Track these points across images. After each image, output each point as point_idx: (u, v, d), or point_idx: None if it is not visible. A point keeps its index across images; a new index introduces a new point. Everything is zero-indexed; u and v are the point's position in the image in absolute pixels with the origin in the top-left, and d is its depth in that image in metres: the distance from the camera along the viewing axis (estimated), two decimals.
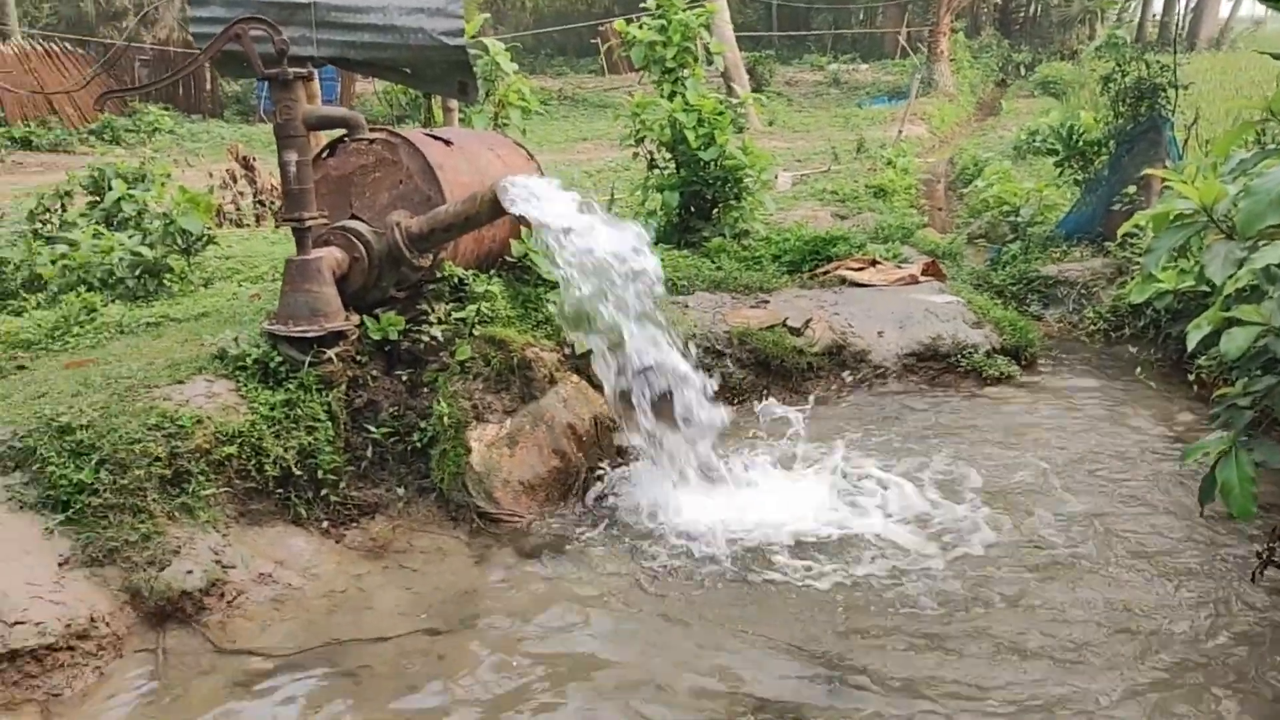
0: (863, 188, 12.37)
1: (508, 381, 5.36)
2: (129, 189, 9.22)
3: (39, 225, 9.10)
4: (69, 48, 24.83)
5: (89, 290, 7.16)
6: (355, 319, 5.16)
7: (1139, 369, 6.79)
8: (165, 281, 7.53)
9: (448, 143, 5.69)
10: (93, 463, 4.42)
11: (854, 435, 5.96)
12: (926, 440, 5.88)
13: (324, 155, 5.55)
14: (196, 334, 5.93)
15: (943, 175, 17.25)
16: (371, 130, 5.44)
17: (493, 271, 5.95)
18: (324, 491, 5.00)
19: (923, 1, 34.60)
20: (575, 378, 5.67)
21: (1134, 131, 8.28)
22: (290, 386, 4.97)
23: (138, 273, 7.44)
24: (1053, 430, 5.93)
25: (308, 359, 4.96)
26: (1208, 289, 6.23)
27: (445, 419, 5.16)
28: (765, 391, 6.62)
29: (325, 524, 4.99)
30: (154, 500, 4.46)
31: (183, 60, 23.45)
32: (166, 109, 25.30)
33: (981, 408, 6.32)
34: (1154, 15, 44.34)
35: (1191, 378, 6.30)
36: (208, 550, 4.47)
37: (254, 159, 13.47)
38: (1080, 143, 8.78)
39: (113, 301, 7.05)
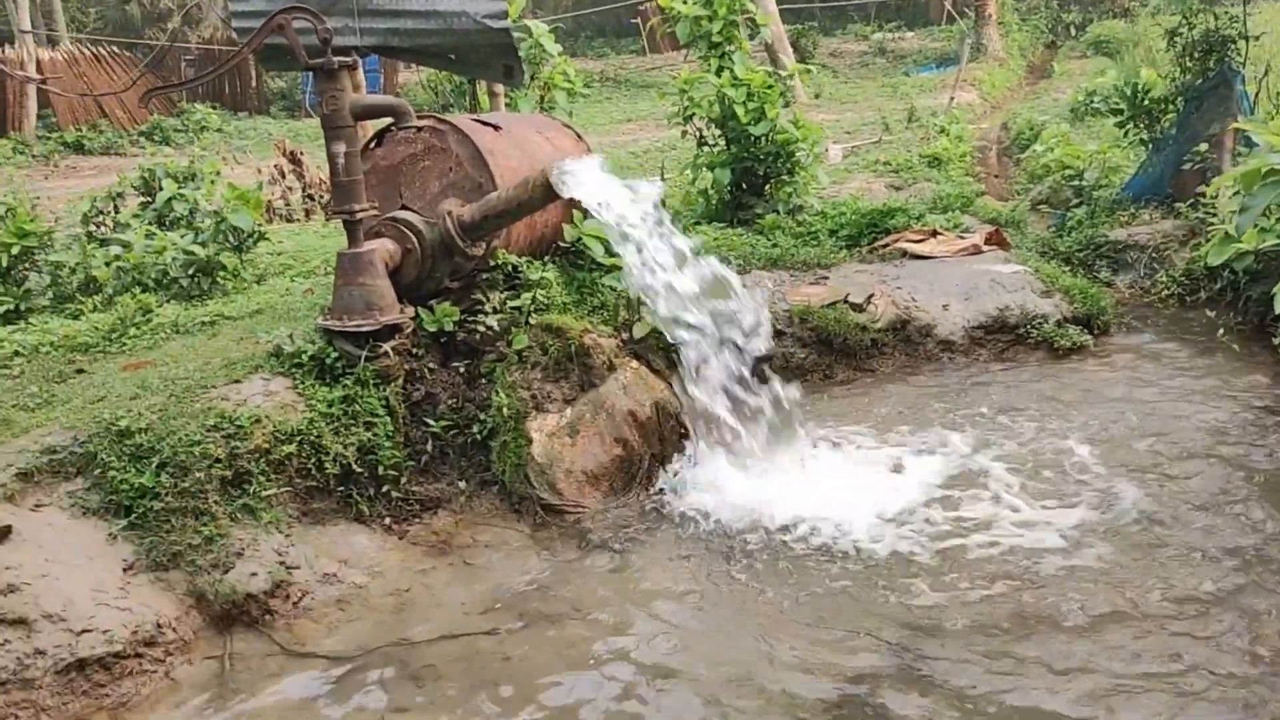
0: (916, 157, 12.05)
1: (566, 370, 5.25)
2: (179, 188, 9.22)
3: (93, 228, 9.14)
4: (116, 51, 25.09)
5: (144, 291, 7.15)
6: (410, 311, 5.08)
7: (1221, 333, 6.51)
8: (219, 279, 7.50)
9: (496, 128, 5.57)
10: (153, 466, 4.37)
11: (931, 414, 5.78)
12: (1008, 415, 5.70)
13: (371, 145, 5.46)
14: (251, 331, 5.88)
15: (996, 141, 16.83)
16: (419, 118, 5.33)
17: (546, 258, 5.84)
18: (385, 488, 4.93)
19: None
20: (635, 363, 5.54)
21: (1203, 87, 7.94)
22: (347, 382, 4.90)
23: (191, 272, 7.42)
24: (1139, 402, 5.68)
25: (364, 354, 4.88)
26: None
27: (505, 410, 5.06)
28: (829, 370, 6.46)
29: (388, 520, 4.92)
30: (215, 502, 4.41)
31: (227, 57, 23.56)
32: (214, 107, 25.48)
33: (1059, 380, 6.08)
34: None
35: (1277, 341, 6.02)
36: (271, 551, 4.42)
37: (301, 153, 13.47)
38: (1145, 101, 8.45)
39: (168, 301, 7.03)
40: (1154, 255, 7.70)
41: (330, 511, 4.78)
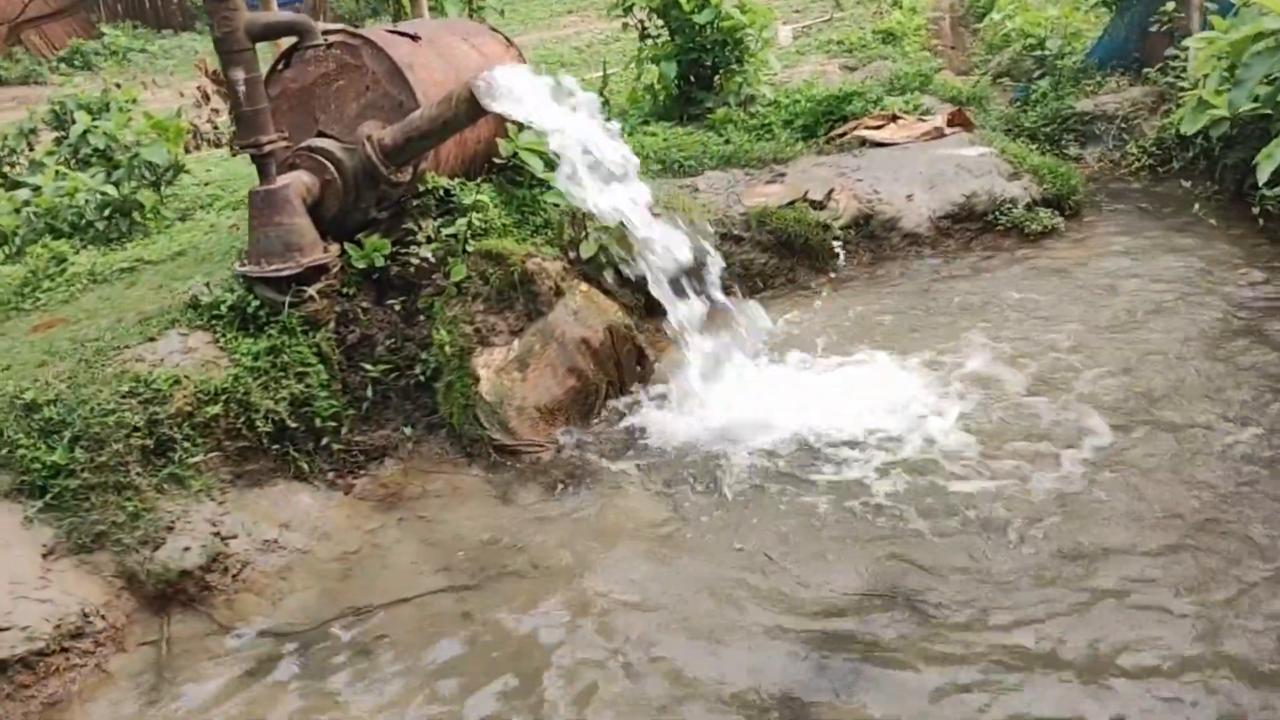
0: (870, 34, 11.55)
1: (510, 299, 4.88)
2: (94, 120, 8.63)
3: (5, 169, 8.59)
4: None
5: (58, 238, 6.67)
6: (335, 248, 4.67)
7: (1196, 206, 6.22)
8: (138, 220, 7.02)
9: (415, 38, 5.09)
10: (65, 441, 4.01)
11: (891, 317, 5.47)
12: (963, 319, 5.40)
13: (279, 68, 4.98)
14: (171, 277, 5.46)
15: (950, 10, 16.26)
16: (327, 32, 4.85)
17: (481, 177, 5.42)
18: (325, 440, 4.60)
19: None
20: (584, 286, 5.18)
21: None
22: (272, 332, 4.52)
23: (107, 213, 6.91)
24: (1117, 291, 5.39)
25: (287, 299, 4.49)
26: (1269, 114, 5.63)
27: (447, 348, 4.72)
28: (790, 274, 6.12)
29: (331, 475, 4.60)
30: (138, 474, 4.06)
31: None
32: (135, 26, 24.29)
33: (1032, 270, 5.77)
34: None
35: (1256, 210, 5.73)
36: (204, 522, 4.10)
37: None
38: None
39: (84, 248, 6.56)
40: (1123, 125, 7.35)
41: (267, 472, 4.45)
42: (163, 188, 7.29)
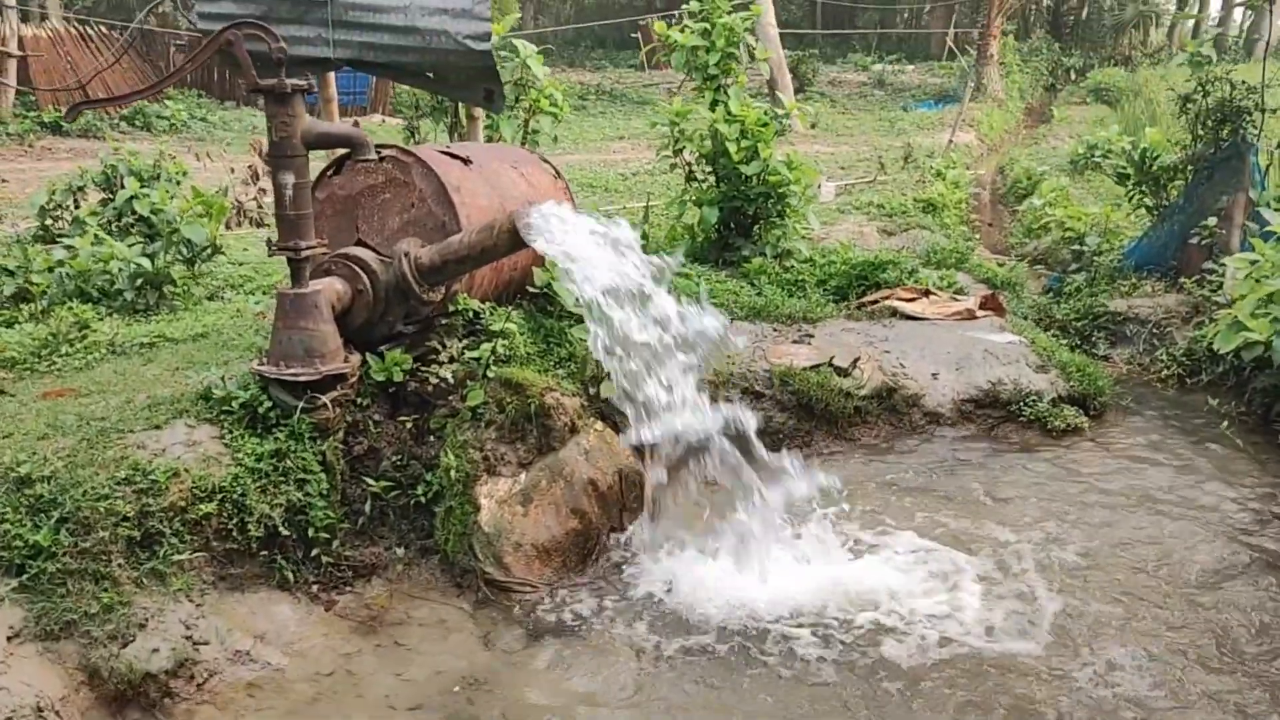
0: (911, 201, 11.70)
1: (523, 430, 4.82)
2: (142, 187, 8.76)
3: (49, 222, 8.68)
4: (105, 30, 24.52)
5: (86, 302, 6.69)
6: (356, 359, 4.64)
7: (1225, 424, 6.14)
8: (166, 294, 7.05)
9: (466, 161, 5.15)
10: (52, 521, 3.91)
11: (909, 502, 5.37)
12: (987, 509, 5.29)
13: (329, 173, 5.03)
14: (190, 360, 5.45)
15: (991, 186, 16.56)
16: (381, 147, 4.92)
17: (513, 303, 5.42)
18: (315, 551, 4.49)
19: (971, 1, 33.75)
20: (599, 425, 5.13)
21: (1215, 158, 7.61)
22: (280, 435, 4.45)
23: (138, 284, 6.95)
24: (1133, 506, 5.27)
25: (300, 405, 4.44)
26: None
27: (453, 472, 4.63)
28: (808, 438, 6.05)
29: (315, 588, 4.48)
30: (119, 565, 3.96)
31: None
32: (199, 95, 24.96)
33: (1049, 472, 5.67)
34: (1209, 20, 43.26)
35: None
36: (178, 624, 3.97)
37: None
38: (1154, 167, 8.11)
39: (110, 315, 6.57)
40: (1155, 331, 7.34)
41: (250, 577, 4.33)
42: (197, 265, 7.33)
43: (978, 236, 10.10)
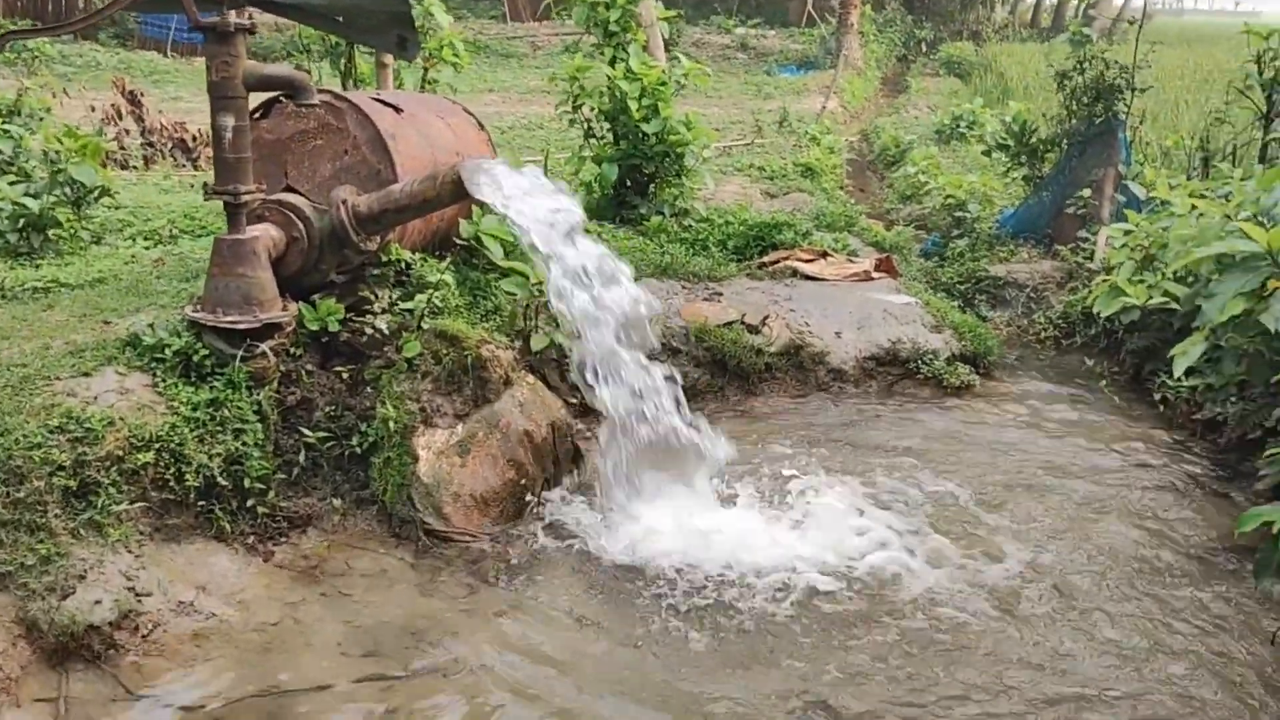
0: (791, 165, 12.00)
1: (459, 382, 4.83)
2: (3, 125, 8.26)
3: None
4: None
5: None
6: (293, 308, 4.56)
7: (1103, 383, 6.61)
8: (51, 237, 6.71)
9: (398, 109, 5.09)
10: None
11: (821, 452, 5.60)
12: (899, 458, 5.58)
13: (257, 116, 4.88)
14: (96, 307, 5.24)
15: (856, 152, 17.04)
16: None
17: (438, 255, 5.39)
18: (250, 502, 4.41)
19: None
20: (530, 379, 5.18)
21: (1089, 133, 8.09)
22: (217, 384, 4.35)
23: (20, 226, 6.59)
24: (1027, 454, 5.65)
25: (239, 353, 4.35)
26: (1175, 307, 6.08)
27: (391, 423, 4.62)
28: (721, 392, 6.24)
29: (251, 539, 4.41)
30: (55, 516, 3.83)
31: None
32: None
33: (950, 422, 6.02)
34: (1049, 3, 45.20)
35: (1158, 396, 6.13)
36: (119, 575, 3.87)
37: (141, 94, 12.41)
38: (1032, 140, 8.57)
39: None
40: (1032, 295, 7.79)
41: (186, 528, 4.24)
42: (82, 208, 6.99)
43: (864, 206, 10.44)
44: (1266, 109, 8.25)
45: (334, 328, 4.70)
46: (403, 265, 4.99)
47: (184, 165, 11.33)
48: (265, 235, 4.43)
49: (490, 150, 5.81)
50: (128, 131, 11.70)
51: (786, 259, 7.57)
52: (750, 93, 22.06)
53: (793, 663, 3.85)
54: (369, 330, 4.74)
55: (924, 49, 34.73)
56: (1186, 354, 5.07)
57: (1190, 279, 5.80)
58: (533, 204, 4.46)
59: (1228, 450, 5.61)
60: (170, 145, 11.44)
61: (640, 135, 8.38)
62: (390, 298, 4.88)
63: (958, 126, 14.57)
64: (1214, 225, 5.27)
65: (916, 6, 39.45)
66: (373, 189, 4.75)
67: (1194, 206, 6.21)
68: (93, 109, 11.74)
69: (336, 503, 4.65)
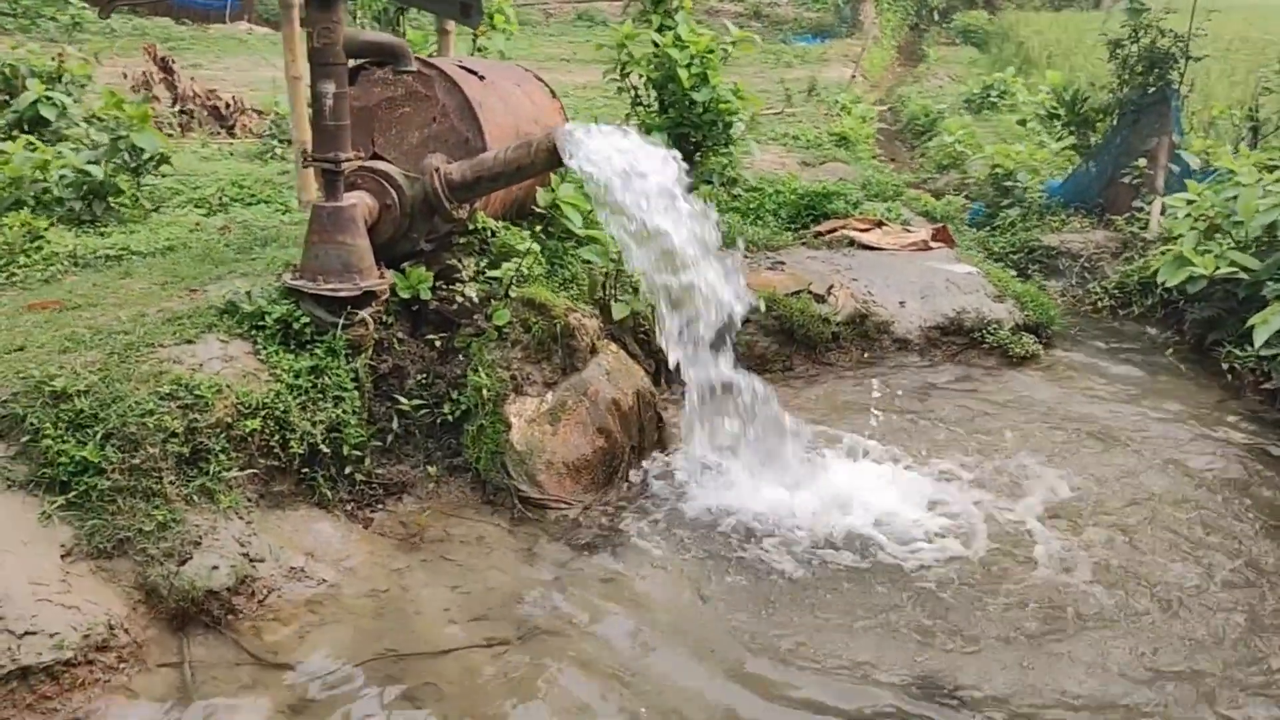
0: (825, 135, 11.97)
1: (549, 350, 4.84)
2: (46, 89, 8.23)
3: None
4: None
5: (22, 211, 6.28)
6: (389, 276, 4.56)
7: (1169, 352, 6.62)
8: (113, 205, 6.70)
9: (480, 77, 5.06)
10: (98, 437, 3.77)
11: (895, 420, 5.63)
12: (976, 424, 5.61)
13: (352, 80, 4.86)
14: (174, 275, 5.25)
15: (883, 122, 16.96)
16: None
17: (516, 222, 5.39)
18: (348, 469, 4.44)
19: None
20: (614, 347, 5.19)
21: (1143, 102, 8.06)
22: (318, 351, 4.36)
23: (83, 193, 6.58)
24: (1078, 419, 5.69)
25: (339, 321, 4.35)
26: (1242, 277, 6.09)
27: (485, 390, 4.63)
28: (788, 362, 6.25)
29: (350, 506, 4.44)
30: (171, 482, 3.85)
31: None
32: None
33: (1023, 391, 6.05)
34: None
35: (1225, 366, 6.13)
36: (232, 541, 3.90)
37: (173, 61, 12.34)
38: (1084, 109, 8.54)
39: (51, 226, 6.19)
40: (1086, 265, 7.79)
41: (289, 496, 4.27)
42: (141, 176, 6.97)
43: (909, 175, 10.43)
44: None
45: (426, 295, 4.71)
46: (488, 233, 4.98)
47: (218, 133, 11.28)
48: (361, 203, 4.42)
49: (562, 118, 5.79)
50: (157, 99, 11.63)
51: (842, 228, 7.57)
52: (770, 62, 21.89)
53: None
54: (459, 298, 4.74)
55: (935, 17, 34.51)
56: (1268, 323, 5.09)
57: (1261, 247, 5.80)
58: (633, 172, 4.43)
59: None
60: (205, 113, 11.38)
61: (689, 103, 8.35)
62: (478, 265, 4.88)
63: (988, 96, 14.50)
64: None
65: None
66: (460, 156, 4.74)
67: (1261, 177, 6.20)
68: (125, 75, 11.67)
69: (431, 470, 4.66)
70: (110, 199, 6.67)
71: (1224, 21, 8.14)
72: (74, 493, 3.71)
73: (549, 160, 4.50)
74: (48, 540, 3.62)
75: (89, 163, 6.57)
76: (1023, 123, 11.95)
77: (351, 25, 8.13)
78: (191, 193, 7.93)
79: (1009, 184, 8.84)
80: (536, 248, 4.99)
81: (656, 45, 8.51)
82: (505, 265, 4.87)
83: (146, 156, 6.89)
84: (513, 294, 4.87)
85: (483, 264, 4.92)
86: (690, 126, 8.42)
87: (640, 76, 8.66)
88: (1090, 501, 4.85)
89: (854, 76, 16.62)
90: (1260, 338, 5.03)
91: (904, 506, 4.64)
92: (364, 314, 4.37)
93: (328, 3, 4.12)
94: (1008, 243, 8.13)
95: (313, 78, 4.22)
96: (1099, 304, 7.45)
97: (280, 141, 10.00)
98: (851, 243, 7.35)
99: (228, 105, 11.66)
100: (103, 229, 6.41)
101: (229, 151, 10.10)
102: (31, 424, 3.77)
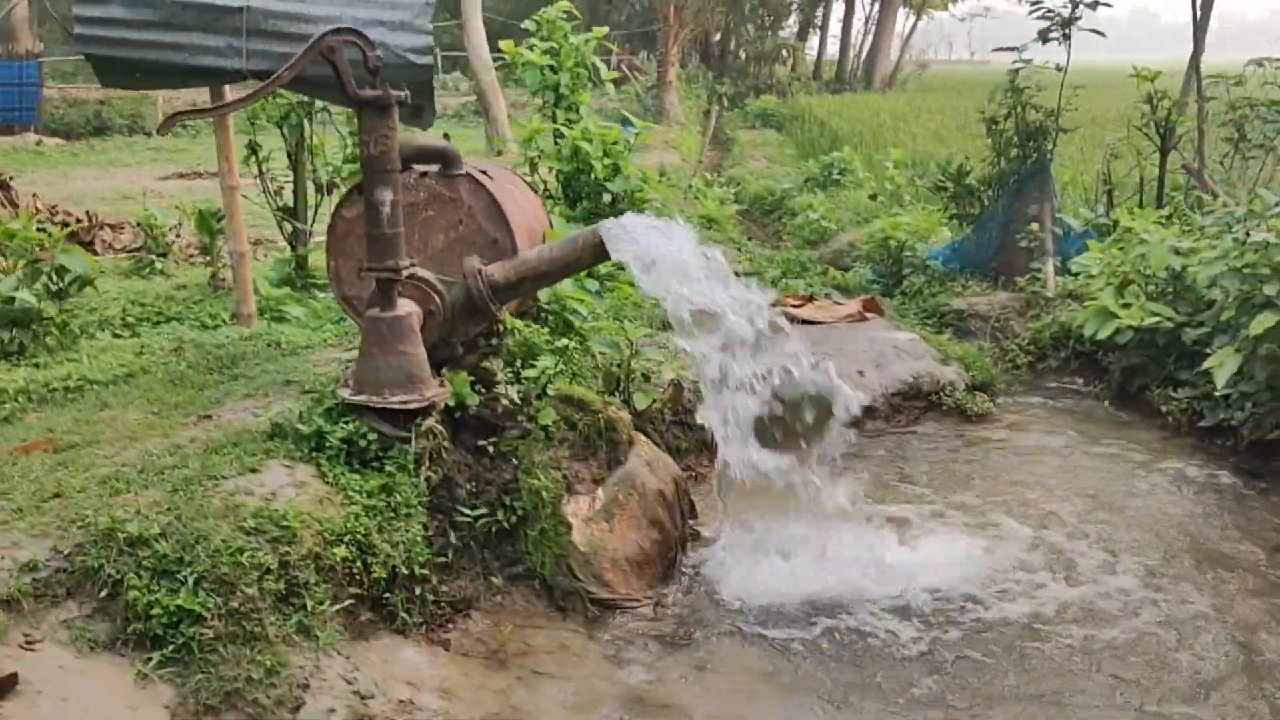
0: (696, 216, 12.35)
1: (595, 447, 4.78)
2: None
3: None
4: None
5: None
6: (448, 386, 4.41)
7: (1107, 402, 7.13)
8: (37, 333, 6.17)
9: (490, 176, 5.01)
10: (190, 583, 3.46)
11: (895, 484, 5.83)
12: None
13: (358, 192, 4.71)
14: (161, 402, 4.91)
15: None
16: None
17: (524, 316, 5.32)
18: (418, 590, 4.22)
19: (641, 33, 35.57)
20: (643, 438, 5.17)
21: (1024, 172, 8.75)
22: (389, 469, 4.16)
23: (4, 323, 6.04)
24: (1068, 470, 6.07)
25: (406, 435, 4.17)
26: (1170, 326, 6.66)
27: (544, 493, 4.52)
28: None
29: (424, 628, 4.21)
30: (271, 623, 3.57)
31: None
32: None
33: (989, 445, 6.39)
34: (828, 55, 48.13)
35: (1164, 409, 6.63)
36: (339, 679, 3.63)
37: (9, 176, 11.53)
38: (968, 181, 9.18)
39: None
40: (996, 324, 8.31)
41: (369, 624, 4.02)
42: (63, 299, 6.46)
43: (814, 252, 10.89)
44: (1161, 143, 9.17)
45: (472, 401, 4.57)
46: (517, 334, 4.90)
47: None
48: (413, 310, 4.29)
49: (546, 213, 5.79)
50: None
51: (776, 304, 7.79)
52: None
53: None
54: (504, 400, 4.63)
55: (724, 103, 36.26)
56: (1224, 365, 5.59)
57: (1167, 297, 6.46)
58: (678, 266, 4.49)
59: (1245, 452, 6.12)
60: (59, 229, 10.64)
61: (600, 194, 8.50)
62: (516, 366, 4.79)
63: (830, 174, 15.32)
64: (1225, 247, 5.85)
65: (714, 64, 41.26)
66: (490, 257, 4.66)
67: (1165, 235, 6.84)
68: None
69: (495, 581, 4.49)
70: (33, 326, 6.15)
71: (1089, 96, 8.94)
72: (171, 646, 3.38)
73: (596, 254, 4.50)
74: (150, 702, 3.28)
75: (13, 290, 6.04)
76: (874, 197, 12.70)
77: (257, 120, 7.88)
78: (88, 315, 7.40)
79: (907, 254, 9.36)
80: (570, 344, 4.94)
81: (559, 139, 8.65)
82: (540, 363, 4.80)
83: (71, 279, 6.40)
84: (550, 392, 4.80)
85: (516, 364, 4.83)
86: (604, 218, 8.52)
87: (550, 170, 8.75)
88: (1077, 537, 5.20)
89: (701, 160, 17.18)
90: (1221, 379, 5.51)
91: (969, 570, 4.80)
92: (431, 423, 4.21)
93: (386, 110, 4.02)
94: (919, 309, 8.58)
95: (369, 185, 4.08)
96: (1017, 360, 7.94)
97: (157, 255, 9.46)
98: (791, 319, 7.57)
99: (79, 220, 10.97)
100: (35, 360, 5.90)
101: (100, 269, 9.47)
102: (109, 575, 3.43)
